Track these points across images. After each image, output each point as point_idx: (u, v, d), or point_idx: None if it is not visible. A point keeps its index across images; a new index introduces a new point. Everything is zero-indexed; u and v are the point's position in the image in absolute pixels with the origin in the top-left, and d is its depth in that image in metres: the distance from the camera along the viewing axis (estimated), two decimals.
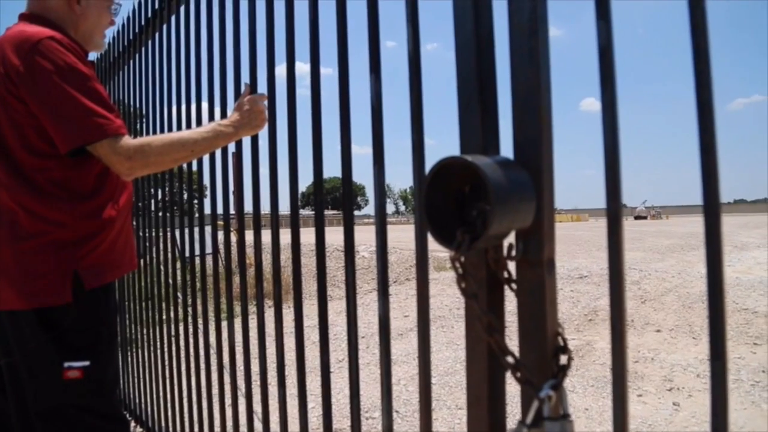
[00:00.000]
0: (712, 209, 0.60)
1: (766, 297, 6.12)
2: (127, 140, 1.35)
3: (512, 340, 0.72)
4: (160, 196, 2.51)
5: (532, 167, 0.69)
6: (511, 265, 0.74)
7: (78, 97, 1.31)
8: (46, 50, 1.31)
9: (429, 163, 0.95)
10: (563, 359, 0.72)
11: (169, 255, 2.29)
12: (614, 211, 0.67)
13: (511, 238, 0.72)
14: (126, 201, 1.59)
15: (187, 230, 2.12)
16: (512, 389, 0.77)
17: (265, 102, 1.50)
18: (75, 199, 1.42)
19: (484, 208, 0.65)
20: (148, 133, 2.37)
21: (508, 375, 0.72)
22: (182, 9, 2.03)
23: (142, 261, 2.62)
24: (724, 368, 0.60)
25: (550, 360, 0.71)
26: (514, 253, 0.72)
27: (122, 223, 1.56)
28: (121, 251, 1.57)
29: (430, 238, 0.77)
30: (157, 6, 2.21)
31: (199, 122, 1.96)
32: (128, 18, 2.57)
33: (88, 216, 1.44)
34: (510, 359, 0.69)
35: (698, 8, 0.60)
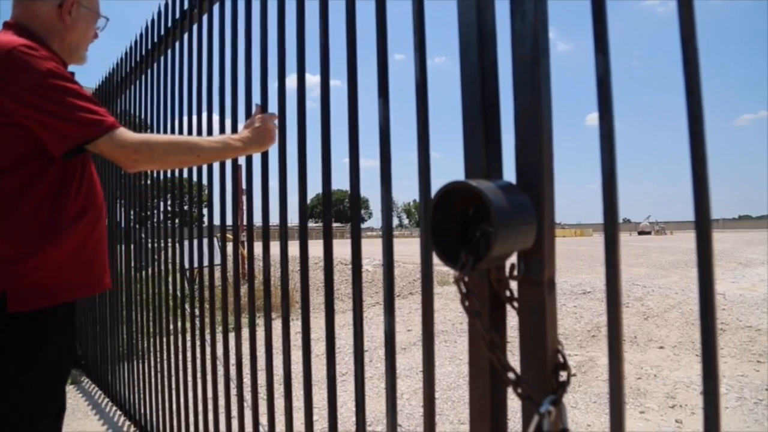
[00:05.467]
0: (704, 234, 0.63)
1: None
2: (129, 133, 1.35)
3: (514, 356, 0.75)
4: (168, 207, 2.56)
5: (534, 191, 0.73)
6: (513, 285, 0.77)
7: (68, 98, 1.30)
8: (26, 57, 1.30)
9: (435, 177, 0.99)
10: (563, 376, 0.75)
11: (177, 266, 2.33)
12: (612, 235, 0.70)
13: (513, 259, 0.75)
14: (89, 220, 1.49)
15: (195, 241, 2.16)
16: (514, 404, 0.80)
17: (276, 121, 1.54)
18: (21, 214, 1.34)
19: (487, 230, 0.68)
20: None
21: (510, 391, 0.75)
22: (195, 27, 2.09)
23: (149, 271, 2.66)
24: (716, 387, 0.63)
25: (550, 376, 0.74)
26: (515, 273, 0.75)
27: (81, 242, 1.46)
28: (81, 272, 1.47)
29: (434, 257, 0.80)
30: (170, 24, 2.27)
31: (210, 134, 2.01)
32: (141, 34, 2.63)
33: (33, 232, 1.35)
34: (511, 375, 0.72)
35: (690, 44, 0.64)
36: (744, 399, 3.50)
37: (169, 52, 2.32)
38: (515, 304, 0.77)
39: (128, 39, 2.84)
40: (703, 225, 0.63)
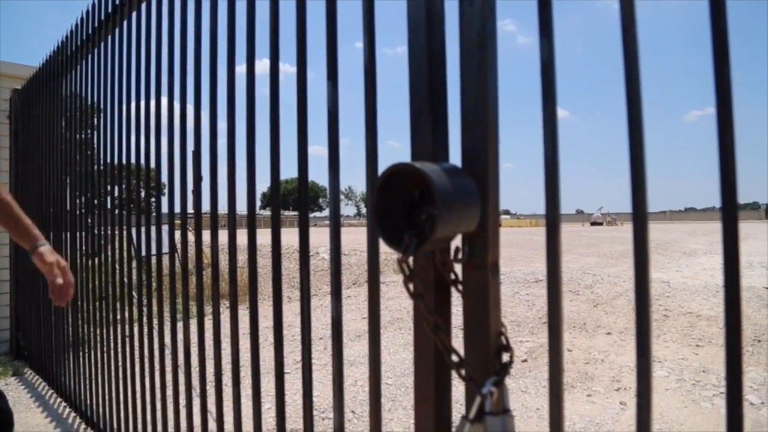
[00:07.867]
0: (640, 219, 0.65)
1: (709, 301, 6.40)
2: None
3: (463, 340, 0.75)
4: (116, 194, 2.47)
5: (478, 175, 0.73)
6: (458, 268, 0.77)
7: None
8: None
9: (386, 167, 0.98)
10: (505, 357, 0.76)
11: (125, 254, 2.26)
12: (553, 219, 0.71)
13: (458, 242, 0.76)
14: None
15: (143, 229, 2.09)
16: (463, 388, 0.81)
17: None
18: None
19: (432, 213, 0.68)
20: (105, 129, 2.32)
21: (455, 374, 0.76)
22: (143, 6, 2.01)
23: (96, 260, 2.57)
24: (649, 365, 0.65)
25: (494, 358, 0.75)
26: (460, 256, 0.76)
27: None
28: None
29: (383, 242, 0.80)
30: (117, 2, 2.18)
31: (158, 118, 1.93)
32: (87, 12, 2.52)
33: None
34: (455, 357, 0.73)
35: (630, 31, 0.65)
36: (683, 381, 3.67)
37: (117, 31, 2.23)
38: (459, 287, 0.77)
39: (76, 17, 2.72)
40: (639, 211, 0.65)
